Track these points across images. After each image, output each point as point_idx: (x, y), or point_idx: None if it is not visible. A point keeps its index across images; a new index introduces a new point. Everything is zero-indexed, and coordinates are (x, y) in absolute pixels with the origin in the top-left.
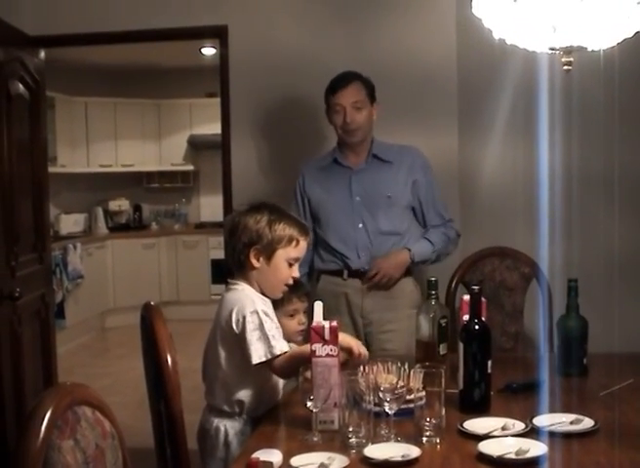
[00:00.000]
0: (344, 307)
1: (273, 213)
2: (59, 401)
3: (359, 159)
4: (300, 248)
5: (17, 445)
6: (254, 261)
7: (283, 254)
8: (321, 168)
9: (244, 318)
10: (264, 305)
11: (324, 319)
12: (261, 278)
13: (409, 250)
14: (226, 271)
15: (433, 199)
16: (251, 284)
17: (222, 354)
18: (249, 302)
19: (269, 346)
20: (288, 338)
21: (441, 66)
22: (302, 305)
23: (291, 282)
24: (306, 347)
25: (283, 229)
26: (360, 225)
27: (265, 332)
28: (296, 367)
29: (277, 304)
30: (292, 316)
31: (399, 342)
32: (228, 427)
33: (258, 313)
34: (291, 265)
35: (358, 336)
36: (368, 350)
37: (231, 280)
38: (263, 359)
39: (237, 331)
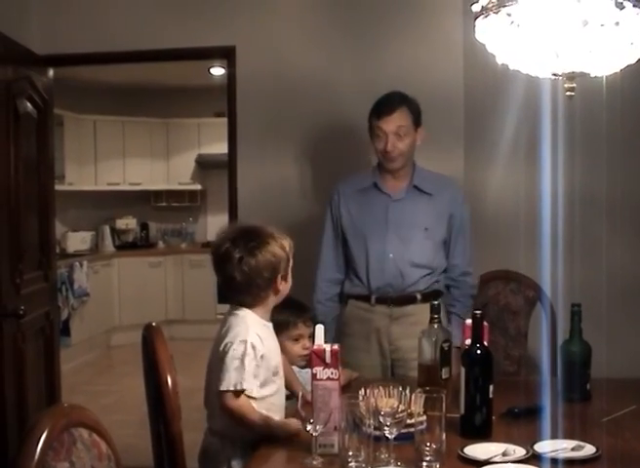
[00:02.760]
0: (372, 333)
1: (261, 235)
2: (54, 422)
3: (399, 185)
4: None
5: (12, 465)
6: (281, 286)
7: (291, 264)
8: (359, 190)
9: (231, 344)
10: (262, 332)
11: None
12: (281, 295)
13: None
14: (228, 299)
15: (464, 239)
16: (264, 308)
17: None
18: (243, 331)
19: (241, 379)
20: (291, 362)
21: (448, 88)
22: (308, 330)
23: None
24: (269, 419)
25: (287, 243)
26: (391, 255)
27: (244, 365)
28: (247, 421)
29: (282, 328)
30: (296, 340)
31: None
32: (230, 450)
33: (245, 344)
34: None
35: (384, 362)
36: (393, 376)
37: (234, 305)
38: (231, 388)
39: (220, 353)
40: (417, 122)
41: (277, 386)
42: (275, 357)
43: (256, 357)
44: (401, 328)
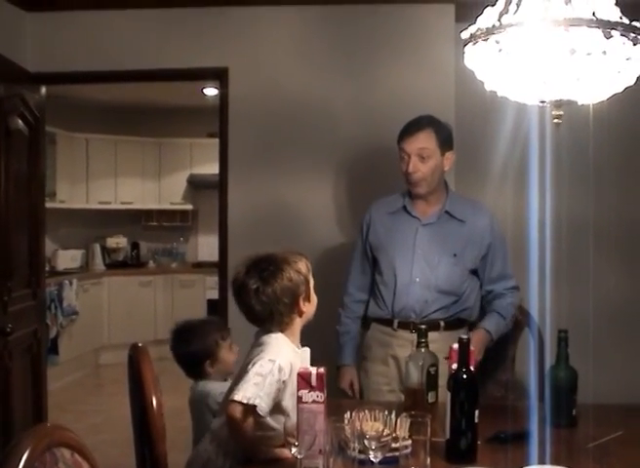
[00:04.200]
0: (392, 358)
1: (274, 262)
2: (37, 442)
3: (430, 210)
4: None
5: None
6: (305, 307)
7: (312, 284)
8: (390, 213)
9: (260, 360)
10: (293, 359)
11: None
12: (307, 316)
13: (485, 330)
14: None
15: (499, 266)
16: (291, 331)
17: None
18: (275, 351)
19: (257, 396)
20: (228, 370)
21: (439, 112)
22: (230, 337)
23: None
24: (274, 451)
25: (304, 265)
26: (417, 279)
27: (265, 384)
28: (239, 436)
29: (219, 344)
30: (230, 348)
31: (442, 397)
32: (221, 462)
33: (273, 364)
34: None
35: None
36: None
37: (264, 330)
38: (244, 401)
39: (248, 366)
40: (444, 146)
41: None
42: None
43: (279, 380)
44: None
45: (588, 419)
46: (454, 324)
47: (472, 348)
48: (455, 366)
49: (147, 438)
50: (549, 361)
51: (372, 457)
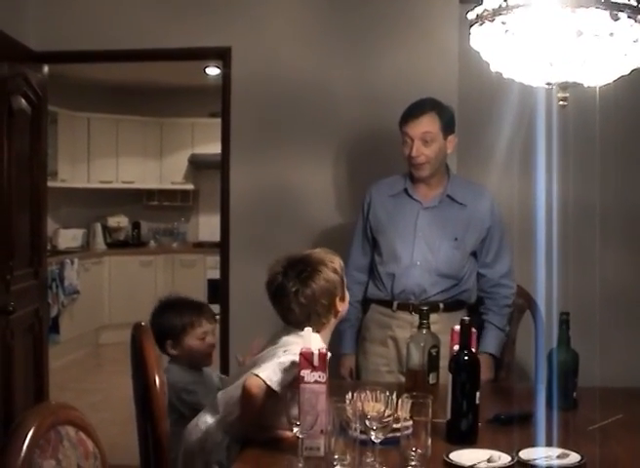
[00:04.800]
0: (390, 340)
1: (311, 263)
2: (41, 420)
3: (431, 193)
4: None
5: None
6: (340, 307)
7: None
8: (390, 195)
9: (289, 351)
10: None
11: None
12: (341, 315)
13: (489, 354)
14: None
15: (496, 251)
16: (326, 331)
17: None
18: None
19: (278, 382)
20: (200, 362)
21: (442, 95)
22: (211, 326)
23: None
24: (280, 433)
25: (338, 264)
26: (418, 263)
27: (286, 372)
28: (248, 408)
29: (187, 329)
30: (202, 339)
31: (443, 378)
32: (225, 444)
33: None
34: None
35: (401, 369)
36: None
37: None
38: (267, 382)
39: (277, 352)
40: (446, 129)
41: None
42: None
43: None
44: None
45: (589, 402)
46: (453, 305)
47: (482, 376)
48: (456, 347)
49: (149, 416)
50: (552, 344)
51: (373, 438)
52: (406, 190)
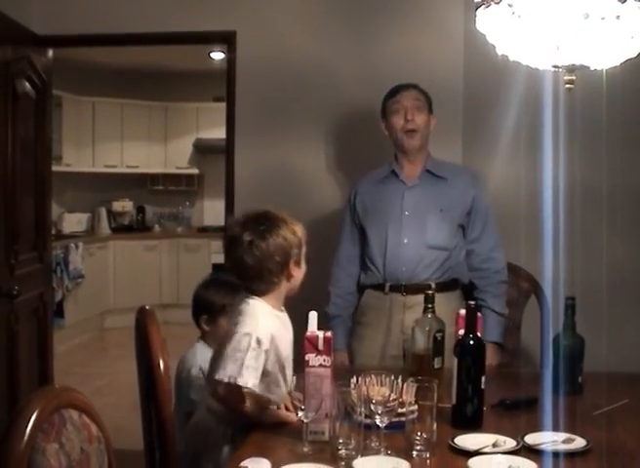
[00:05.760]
0: (385, 321)
1: (272, 219)
2: (45, 403)
3: (415, 170)
4: None
5: (1, 446)
6: (294, 272)
7: (304, 250)
8: (377, 181)
9: (235, 334)
10: (273, 324)
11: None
12: (294, 283)
13: (493, 342)
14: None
15: (483, 225)
16: (276, 295)
17: None
18: (249, 323)
19: (238, 374)
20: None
21: (447, 79)
22: None
23: None
24: (279, 415)
25: (300, 228)
26: (406, 240)
27: (244, 360)
28: (237, 410)
29: (225, 309)
30: None
31: (448, 363)
32: (223, 431)
33: (250, 338)
34: None
35: (396, 353)
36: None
37: (246, 293)
38: (225, 380)
39: (226, 341)
40: (429, 107)
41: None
42: (285, 350)
43: (259, 353)
44: (415, 315)
45: (594, 387)
46: (446, 285)
47: (489, 364)
48: (461, 331)
49: (154, 400)
50: (557, 329)
51: (378, 422)
52: (393, 171)
